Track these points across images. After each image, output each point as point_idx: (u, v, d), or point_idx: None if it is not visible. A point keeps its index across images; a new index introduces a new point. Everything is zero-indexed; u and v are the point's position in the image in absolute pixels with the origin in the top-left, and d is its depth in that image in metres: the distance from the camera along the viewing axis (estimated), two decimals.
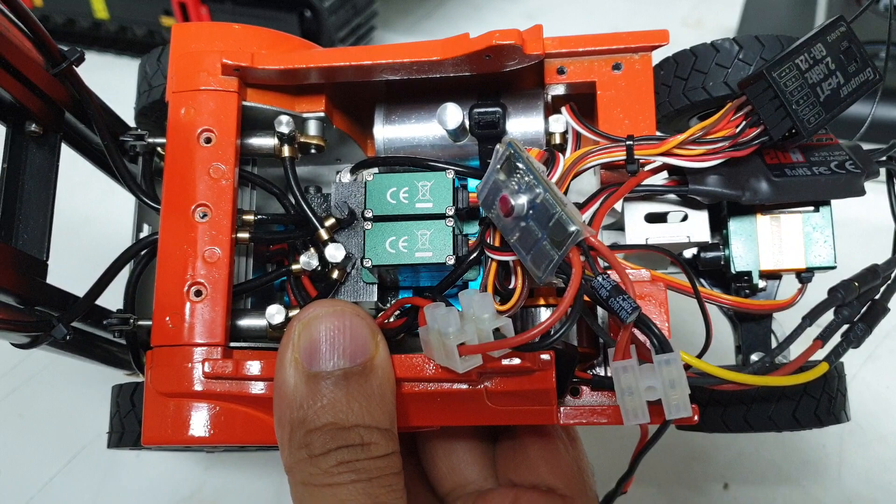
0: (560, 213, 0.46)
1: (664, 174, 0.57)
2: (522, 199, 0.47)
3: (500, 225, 0.49)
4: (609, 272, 0.47)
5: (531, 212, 0.47)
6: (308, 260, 0.56)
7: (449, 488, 0.62)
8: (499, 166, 0.49)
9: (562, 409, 0.53)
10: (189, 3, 1.04)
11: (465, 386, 0.51)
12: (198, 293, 0.53)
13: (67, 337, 0.50)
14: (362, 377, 0.47)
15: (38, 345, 0.52)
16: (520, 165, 0.47)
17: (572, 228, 0.45)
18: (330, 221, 0.56)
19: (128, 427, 0.60)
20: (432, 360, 0.49)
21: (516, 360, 0.49)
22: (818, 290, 0.56)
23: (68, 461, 0.88)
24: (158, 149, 0.62)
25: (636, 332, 0.48)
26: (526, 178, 0.47)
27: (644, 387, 0.47)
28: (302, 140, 0.59)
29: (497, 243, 0.51)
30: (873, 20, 0.98)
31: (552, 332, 0.47)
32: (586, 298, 0.49)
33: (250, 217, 0.57)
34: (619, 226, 0.61)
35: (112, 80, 0.86)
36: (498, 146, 0.49)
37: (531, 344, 0.46)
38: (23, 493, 0.87)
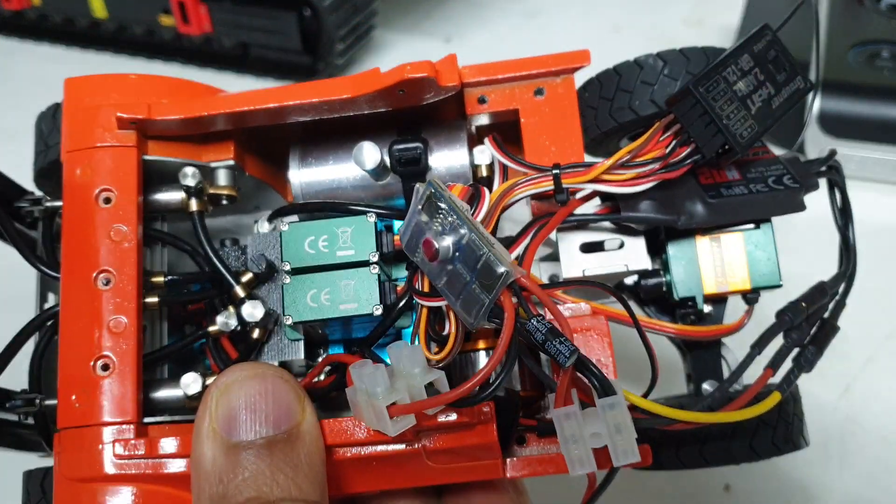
0: (487, 255, 0.42)
1: (597, 201, 0.54)
2: (447, 242, 0.44)
3: (427, 269, 0.46)
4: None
5: (457, 254, 0.44)
6: (226, 320, 0.52)
7: None
8: (420, 207, 0.45)
9: (508, 460, 0.50)
10: (188, 3, 1.03)
11: (401, 447, 0.47)
12: (105, 367, 0.49)
13: None
14: (288, 445, 0.43)
15: None
16: (442, 205, 0.44)
17: (501, 270, 0.42)
18: (247, 277, 0.52)
19: None
20: (363, 422, 0.46)
21: (453, 416, 0.45)
22: (768, 309, 0.54)
23: None
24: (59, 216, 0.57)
25: (578, 374, 0.45)
26: (449, 219, 0.44)
27: (588, 433, 0.43)
28: (211, 191, 0.55)
29: (426, 288, 0.48)
30: (873, 20, 0.97)
31: (490, 382, 0.43)
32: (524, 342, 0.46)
33: (160, 279, 0.53)
34: (555, 256, 0.58)
35: None
36: (418, 185, 0.45)
37: (468, 397, 0.43)
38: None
